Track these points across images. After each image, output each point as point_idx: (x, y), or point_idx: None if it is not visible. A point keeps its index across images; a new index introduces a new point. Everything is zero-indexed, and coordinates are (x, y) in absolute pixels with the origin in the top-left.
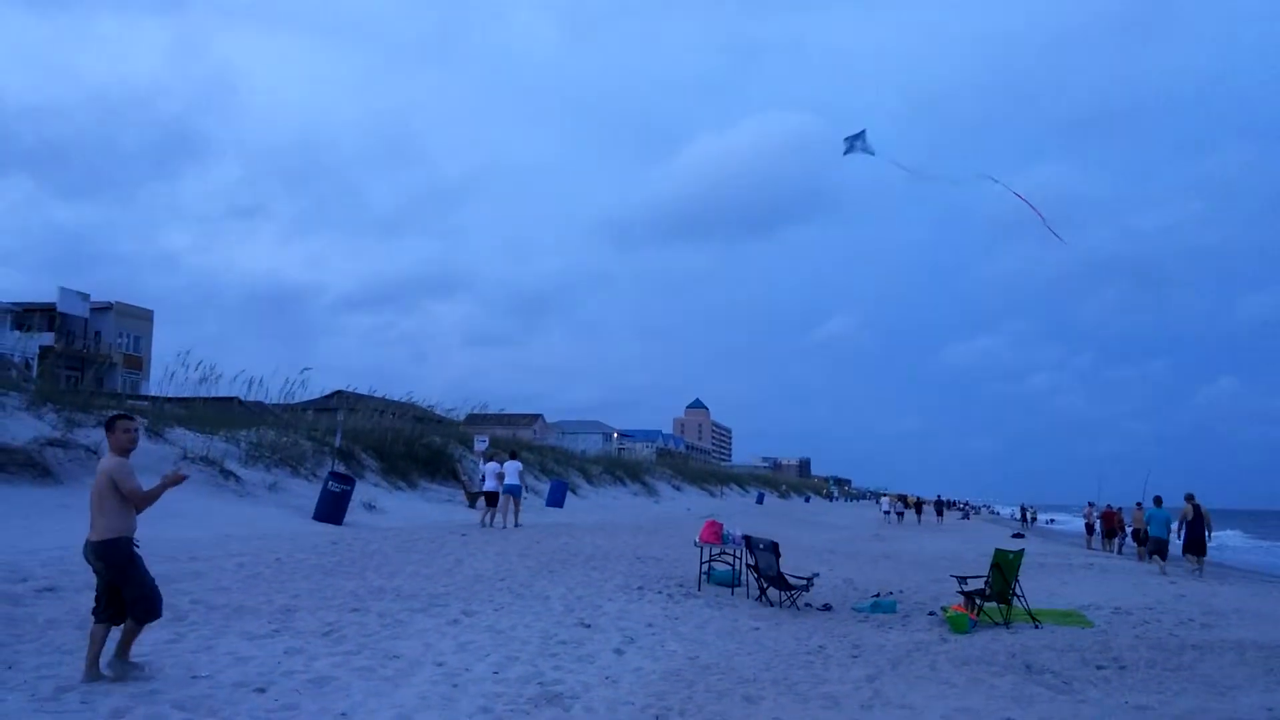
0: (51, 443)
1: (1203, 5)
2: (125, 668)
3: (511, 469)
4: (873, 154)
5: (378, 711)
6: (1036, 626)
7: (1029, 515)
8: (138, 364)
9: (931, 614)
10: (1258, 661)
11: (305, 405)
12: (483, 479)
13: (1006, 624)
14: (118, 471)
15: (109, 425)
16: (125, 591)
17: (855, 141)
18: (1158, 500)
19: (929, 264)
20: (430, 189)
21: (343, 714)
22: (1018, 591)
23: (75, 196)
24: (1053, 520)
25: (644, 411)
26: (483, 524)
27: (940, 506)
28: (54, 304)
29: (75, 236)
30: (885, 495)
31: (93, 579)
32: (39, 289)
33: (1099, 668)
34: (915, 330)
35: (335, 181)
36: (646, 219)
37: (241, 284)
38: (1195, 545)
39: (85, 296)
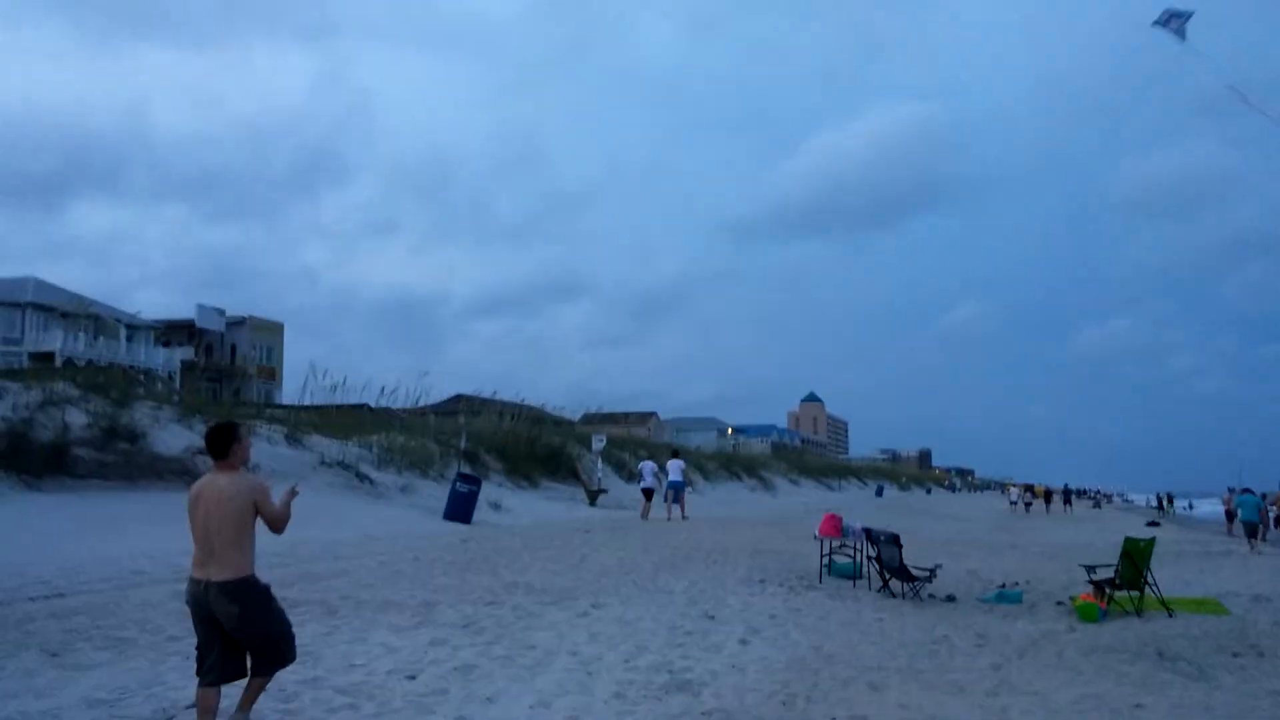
0: (201, 451)
1: None
2: None
3: (674, 467)
4: (1183, 40)
5: (520, 697)
6: (1170, 615)
7: (1165, 503)
8: (271, 374)
9: (1059, 603)
10: None
11: (428, 409)
12: (640, 476)
13: (1138, 613)
14: (265, 493)
15: (224, 437)
16: (259, 636)
17: (1172, 19)
18: (1247, 490)
19: (1057, 248)
20: (555, 196)
21: (488, 699)
22: (1149, 579)
23: (222, 220)
24: (1190, 505)
25: (758, 406)
26: (643, 517)
27: (1068, 495)
28: (193, 320)
29: (221, 257)
30: (1012, 485)
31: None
32: (181, 307)
33: (1235, 655)
34: (1043, 315)
35: (464, 193)
36: (767, 216)
37: (374, 295)
38: None
39: (221, 312)
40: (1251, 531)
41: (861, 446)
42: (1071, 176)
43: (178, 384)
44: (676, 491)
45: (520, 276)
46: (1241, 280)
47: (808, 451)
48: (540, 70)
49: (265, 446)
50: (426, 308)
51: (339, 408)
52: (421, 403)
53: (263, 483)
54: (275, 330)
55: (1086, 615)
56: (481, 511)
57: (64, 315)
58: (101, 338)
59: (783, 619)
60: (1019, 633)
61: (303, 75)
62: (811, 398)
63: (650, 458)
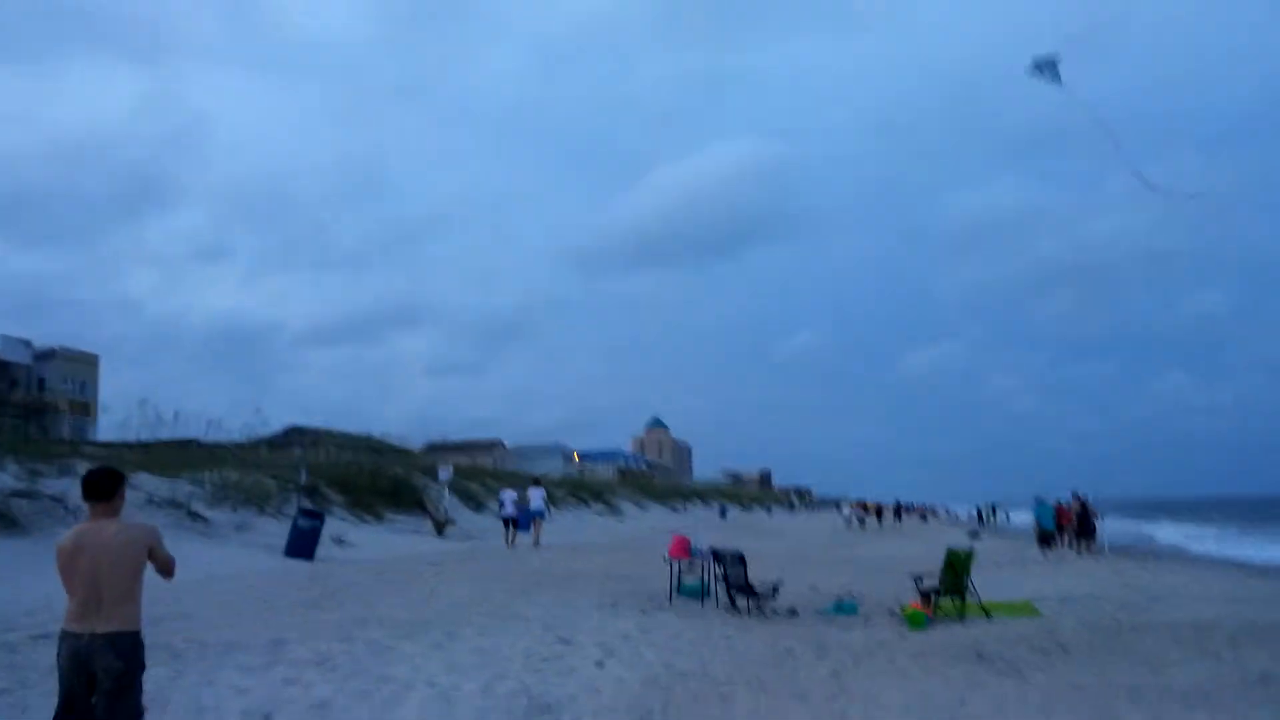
0: (16, 494)
1: (1142, 26)
2: None
3: (535, 495)
4: (1059, 84)
5: None
6: (989, 618)
7: (985, 515)
8: (85, 409)
9: (891, 613)
10: (1190, 639)
11: (261, 442)
12: (501, 505)
13: (961, 618)
14: (159, 538)
15: (111, 482)
16: (120, 705)
17: (1045, 67)
18: (1038, 499)
19: (886, 278)
20: (398, 224)
21: None
22: (970, 587)
23: (33, 245)
24: (1008, 516)
25: (604, 432)
26: (507, 544)
27: (899, 511)
28: None
29: (30, 285)
30: (846, 503)
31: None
32: None
33: (1045, 653)
34: (873, 341)
35: (302, 220)
36: (610, 246)
37: (202, 324)
38: (1085, 531)
39: (28, 343)
40: (1043, 539)
41: (705, 469)
42: (899, 211)
43: None
44: (538, 518)
45: (360, 304)
46: (1048, 307)
47: (653, 475)
48: (387, 97)
49: None
50: (259, 337)
51: (166, 443)
52: (254, 436)
53: (155, 527)
54: (89, 362)
55: (915, 623)
56: (325, 547)
57: None
58: None
59: (635, 640)
60: (855, 641)
61: (129, 95)
62: (656, 423)
63: (511, 487)
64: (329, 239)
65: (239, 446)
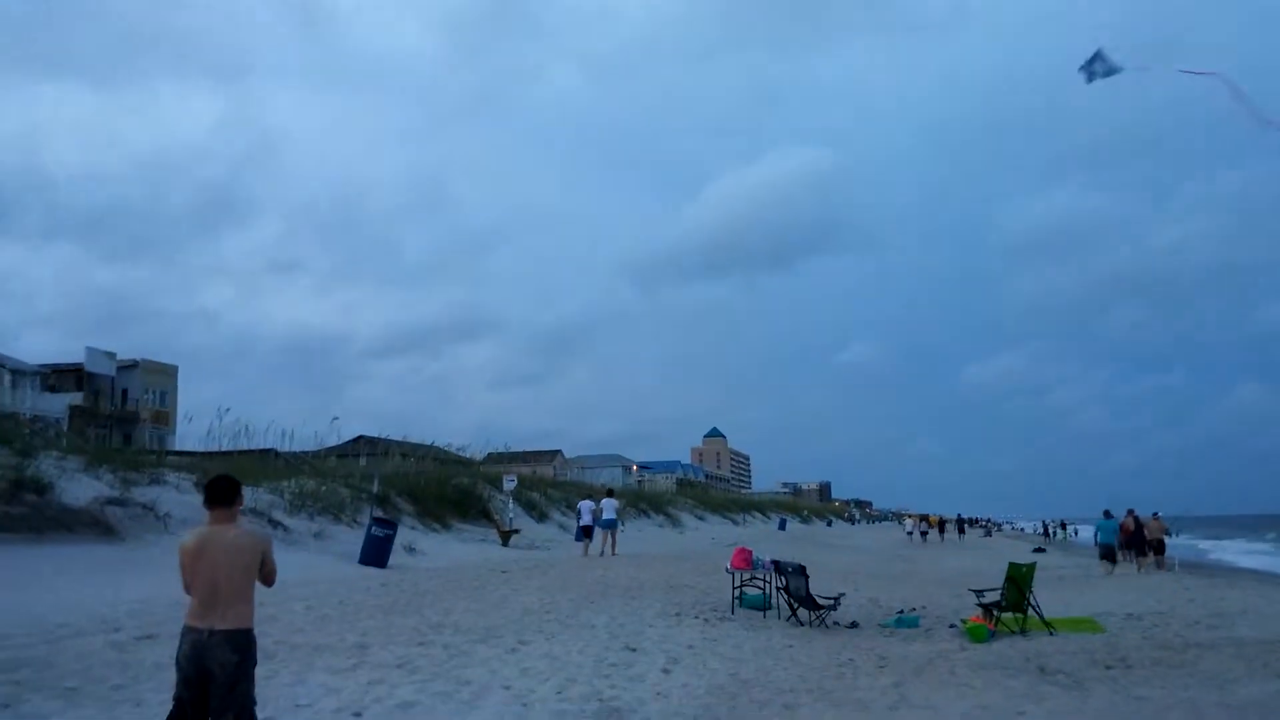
0: (111, 501)
1: (1211, 24)
2: None
3: (609, 506)
4: (1120, 70)
5: None
6: (1051, 633)
7: (1051, 530)
8: (165, 419)
9: (952, 626)
10: (1256, 656)
11: (329, 451)
12: (579, 515)
13: (1022, 632)
14: (271, 546)
15: (231, 489)
16: (243, 694)
17: (1095, 66)
18: (1106, 514)
19: (945, 289)
20: (461, 237)
21: None
22: (1032, 601)
23: (116, 260)
24: (1076, 532)
25: (662, 443)
26: (584, 553)
27: (962, 525)
28: (81, 364)
29: (114, 298)
30: (908, 516)
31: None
32: (70, 350)
33: (1107, 667)
34: (934, 353)
35: (370, 234)
36: (668, 257)
37: (274, 336)
38: (1138, 547)
39: (111, 355)
40: (1105, 554)
41: (763, 480)
42: (958, 221)
43: (65, 430)
44: (610, 530)
45: (424, 317)
46: (1114, 319)
47: (712, 486)
48: (451, 113)
49: (174, 495)
50: (328, 348)
51: (245, 452)
52: (322, 445)
53: (269, 536)
54: (168, 374)
55: (976, 636)
56: (397, 555)
57: None
58: None
59: (700, 649)
60: (916, 654)
61: (208, 114)
62: (714, 433)
63: (588, 497)
64: (396, 253)
65: (312, 455)
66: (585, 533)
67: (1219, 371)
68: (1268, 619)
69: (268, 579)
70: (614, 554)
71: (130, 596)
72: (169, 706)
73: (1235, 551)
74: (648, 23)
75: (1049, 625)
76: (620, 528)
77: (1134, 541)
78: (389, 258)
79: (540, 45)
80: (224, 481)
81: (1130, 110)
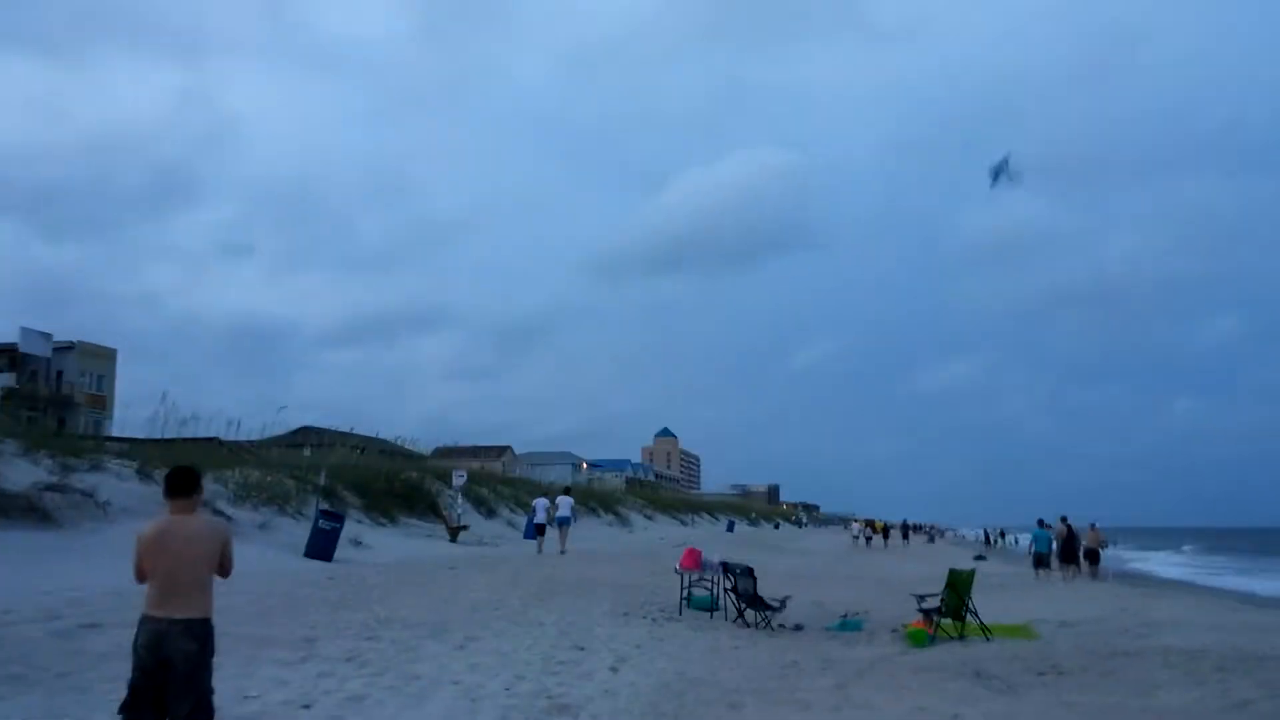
0: (49, 488)
1: (1159, 45)
2: None
3: (564, 503)
4: (1021, 180)
5: None
6: (988, 639)
7: (992, 538)
8: (102, 403)
9: (894, 631)
10: (1180, 664)
11: (273, 442)
12: (534, 511)
13: (961, 637)
14: (230, 537)
15: (192, 480)
16: (200, 683)
17: (1000, 172)
18: (1041, 523)
19: (901, 294)
20: (422, 226)
21: None
22: (971, 607)
23: (57, 238)
24: (1016, 540)
25: (613, 441)
26: (539, 551)
27: (906, 530)
28: (15, 344)
29: (54, 278)
30: (855, 521)
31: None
32: (3, 330)
33: (1040, 673)
34: (886, 358)
35: (328, 219)
36: (630, 253)
37: (221, 321)
38: (1069, 556)
39: (48, 336)
40: (1038, 561)
41: (713, 482)
42: (916, 226)
43: None
44: (564, 526)
45: (379, 306)
46: (1062, 327)
47: (661, 486)
48: (415, 100)
49: (114, 482)
50: (276, 335)
51: (187, 440)
52: (267, 435)
53: (229, 527)
54: (107, 357)
55: (917, 640)
56: (343, 549)
57: None
58: None
59: (648, 648)
60: (858, 656)
61: (163, 92)
62: (665, 433)
63: (566, 493)
64: (353, 239)
65: (254, 445)
66: (539, 530)
67: (1159, 385)
68: (1193, 629)
69: (224, 570)
70: (563, 551)
71: (69, 584)
72: (115, 695)
73: (1159, 563)
74: (617, 21)
75: (986, 631)
76: (573, 524)
77: (1065, 550)
78: (346, 244)
79: (508, 34)
80: (185, 472)
81: (1082, 122)
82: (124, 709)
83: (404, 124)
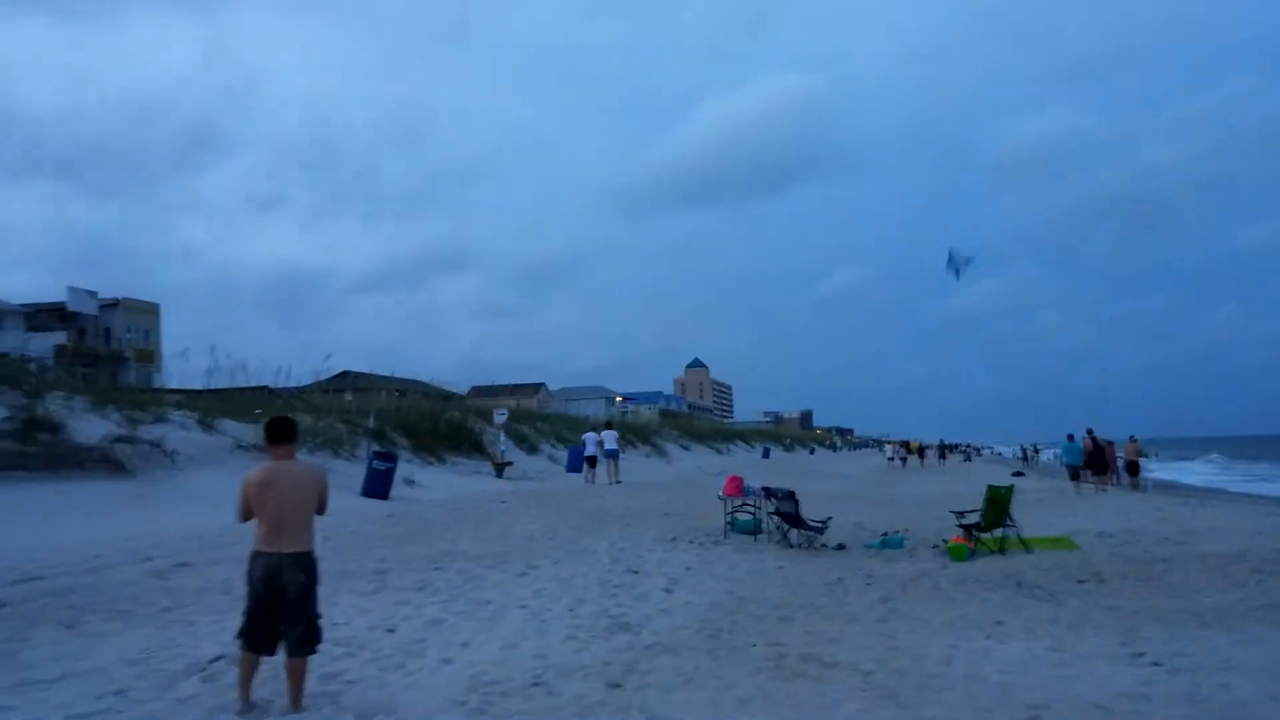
0: (120, 439)
1: None
2: None
3: (610, 436)
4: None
5: (489, 642)
6: (1028, 552)
7: (1029, 454)
8: (149, 357)
9: (934, 546)
10: (1217, 569)
11: (315, 387)
12: (584, 445)
13: (1001, 551)
14: (327, 481)
15: (290, 430)
16: (309, 608)
17: (959, 264)
18: (1070, 437)
19: (930, 213)
20: (443, 169)
21: (463, 644)
22: (1010, 521)
23: (96, 198)
24: (1054, 455)
25: (645, 374)
26: (586, 482)
27: (943, 450)
28: (64, 303)
29: (93, 236)
30: (889, 443)
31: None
32: (51, 289)
33: (1080, 581)
34: (917, 278)
35: (352, 167)
36: (653, 187)
37: (256, 271)
38: (1099, 468)
39: (93, 294)
40: (1073, 474)
41: (745, 410)
42: (943, 144)
43: (50, 370)
44: (613, 458)
45: (407, 250)
46: (1098, 240)
47: (695, 416)
48: (431, 42)
49: (179, 432)
50: (310, 283)
51: (239, 390)
52: (308, 380)
53: (325, 471)
54: (151, 311)
55: (957, 555)
56: (397, 487)
57: None
58: None
59: (698, 570)
60: (901, 572)
61: (185, 48)
62: (696, 363)
63: (609, 427)
64: (378, 186)
65: (298, 391)
66: (590, 462)
67: (1199, 293)
68: (1231, 534)
69: (323, 509)
70: (618, 481)
71: (149, 530)
72: (218, 626)
73: (1191, 473)
74: None
75: (1026, 544)
76: (621, 455)
77: (1093, 462)
78: (371, 190)
79: None
80: (285, 421)
81: (1119, 25)
82: (242, 634)
83: (420, 67)
